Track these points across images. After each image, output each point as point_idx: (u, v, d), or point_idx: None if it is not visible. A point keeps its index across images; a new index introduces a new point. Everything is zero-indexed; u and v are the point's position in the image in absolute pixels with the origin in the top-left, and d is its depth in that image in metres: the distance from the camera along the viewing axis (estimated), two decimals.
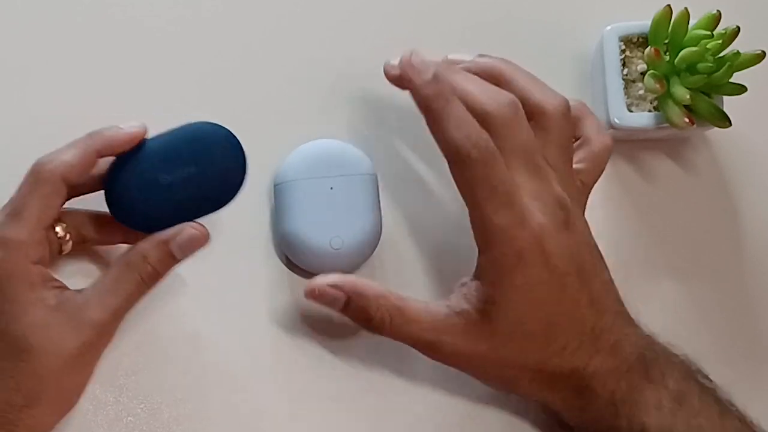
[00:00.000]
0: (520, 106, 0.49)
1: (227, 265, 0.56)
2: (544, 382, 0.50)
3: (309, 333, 0.55)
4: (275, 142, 0.56)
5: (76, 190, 0.50)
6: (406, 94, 0.51)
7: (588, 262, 0.50)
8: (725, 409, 0.50)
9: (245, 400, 0.55)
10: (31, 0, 0.60)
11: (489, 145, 0.47)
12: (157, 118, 0.58)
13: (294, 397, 0.55)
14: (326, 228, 0.54)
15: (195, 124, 0.50)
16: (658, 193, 0.60)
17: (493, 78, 0.51)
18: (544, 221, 0.47)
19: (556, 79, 0.60)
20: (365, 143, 0.58)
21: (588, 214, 0.59)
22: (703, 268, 0.59)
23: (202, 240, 0.49)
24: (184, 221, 0.49)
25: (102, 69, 0.59)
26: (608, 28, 0.57)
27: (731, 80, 0.54)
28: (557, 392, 0.50)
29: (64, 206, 0.50)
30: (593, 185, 0.52)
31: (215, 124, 0.50)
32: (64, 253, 0.51)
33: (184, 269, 0.54)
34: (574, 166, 0.51)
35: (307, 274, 0.56)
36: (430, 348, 0.49)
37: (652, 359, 0.50)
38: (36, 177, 0.48)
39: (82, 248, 0.53)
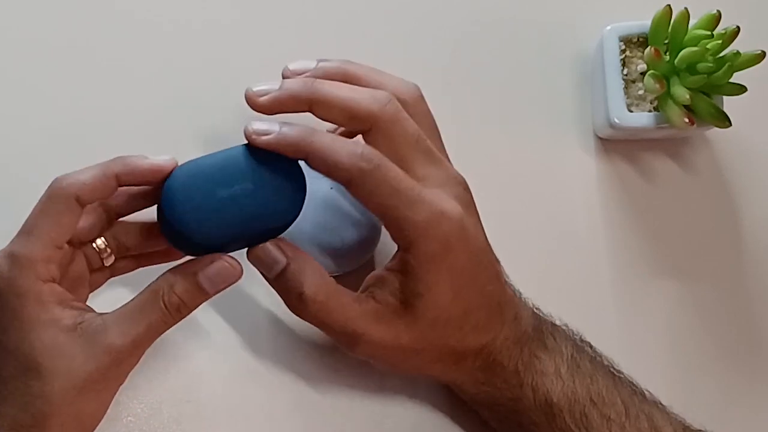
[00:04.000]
0: (396, 99, 0.48)
1: None
2: (452, 362, 0.50)
3: (309, 332, 0.55)
4: None
5: (115, 211, 0.49)
6: None
7: (486, 237, 0.50)
8: (617, 373, 0.52)
9: (245, 400, 0.55)
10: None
11: (373, 151, 0.46)
12: (158, 118, 0.58)
13: (294, 396, 0.55)
14: (326, 228, 0.54)
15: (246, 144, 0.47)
16: (658, 193, 0.60)
17: (345, 79, 0.49)
18: (457, 205, 0.47)
19: (556, 79, 0.61)
20: None
21: (588, 214, 0.59)
22: (703, 268, 0.59)
23: (233, 274, 0.46)
24: (239, 245, 0.47)
25: (102, 68, 0.59)
26: (608, 28, 0.57)
27: (731, 80, 0.54)
28: (464, 370, 0.50)
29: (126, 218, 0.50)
30: (439, 136, 0.51)
31: None
32: (107, 265, 0.51)
33: None
34: None
35: None
36: (353, 338, 0.48)
37: (546, 328, 0.51)
38: (49, 195, 0.46)
39: (132, 265, 0.52)
